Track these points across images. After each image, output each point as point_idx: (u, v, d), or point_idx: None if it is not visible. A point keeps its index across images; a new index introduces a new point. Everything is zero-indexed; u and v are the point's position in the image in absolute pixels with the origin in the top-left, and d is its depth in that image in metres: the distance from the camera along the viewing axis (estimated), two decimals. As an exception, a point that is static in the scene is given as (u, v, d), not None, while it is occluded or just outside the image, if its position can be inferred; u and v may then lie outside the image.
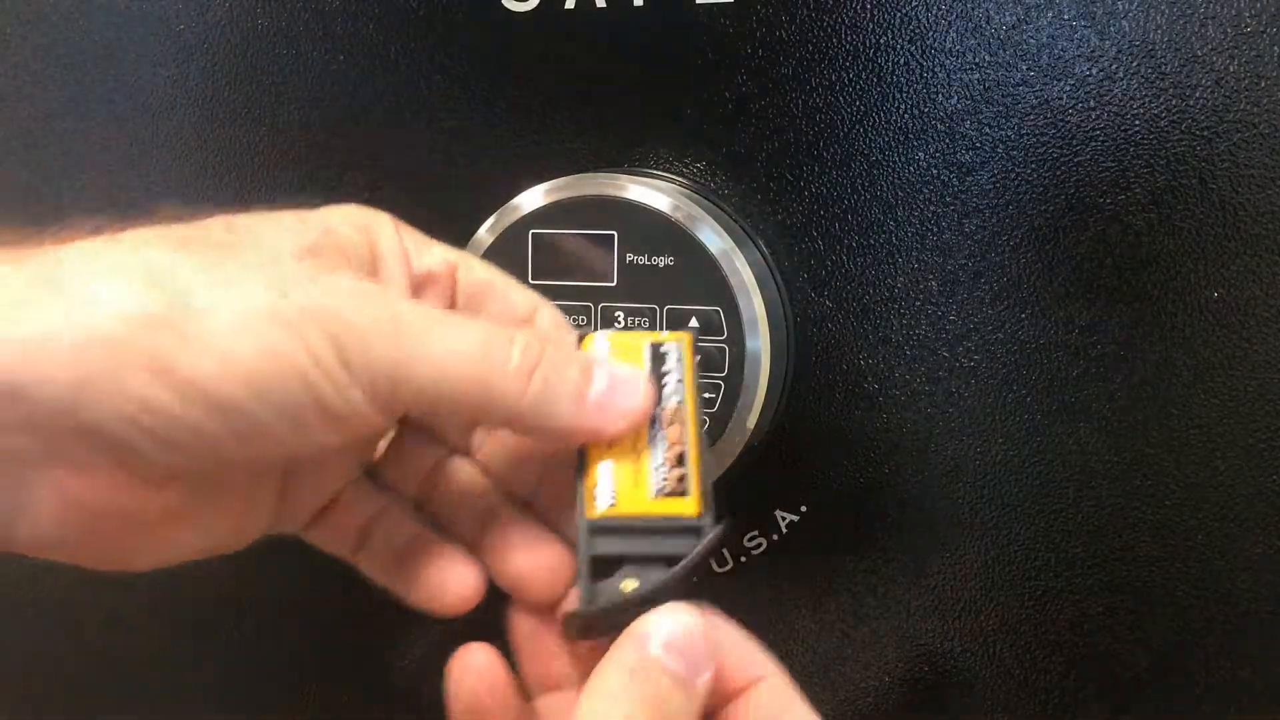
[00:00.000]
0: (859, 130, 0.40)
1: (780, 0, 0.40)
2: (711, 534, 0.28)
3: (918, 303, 0.41)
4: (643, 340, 0.31)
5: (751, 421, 0.39)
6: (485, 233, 0.42)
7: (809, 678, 0.44)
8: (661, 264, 0.40)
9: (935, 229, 0.40)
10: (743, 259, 0.39)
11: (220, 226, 0.28)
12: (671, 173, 0.43)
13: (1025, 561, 0.41)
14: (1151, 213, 0.38)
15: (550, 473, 0.32)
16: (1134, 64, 0.37)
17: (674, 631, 0.26)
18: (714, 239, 0.39)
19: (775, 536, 0.44)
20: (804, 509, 0.43)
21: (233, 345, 0.25)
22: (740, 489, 0.43)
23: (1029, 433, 0.40)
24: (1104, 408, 0.39)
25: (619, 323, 0.40)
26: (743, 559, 0.44)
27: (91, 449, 0.25)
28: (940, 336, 0.41)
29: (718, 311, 0.39)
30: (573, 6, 0.42)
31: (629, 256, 0.40)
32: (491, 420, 0.29)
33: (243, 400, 0.25)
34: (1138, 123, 0.37)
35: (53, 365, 0.23)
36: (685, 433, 0.29)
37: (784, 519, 0.43)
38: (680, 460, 0.29)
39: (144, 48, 0.48)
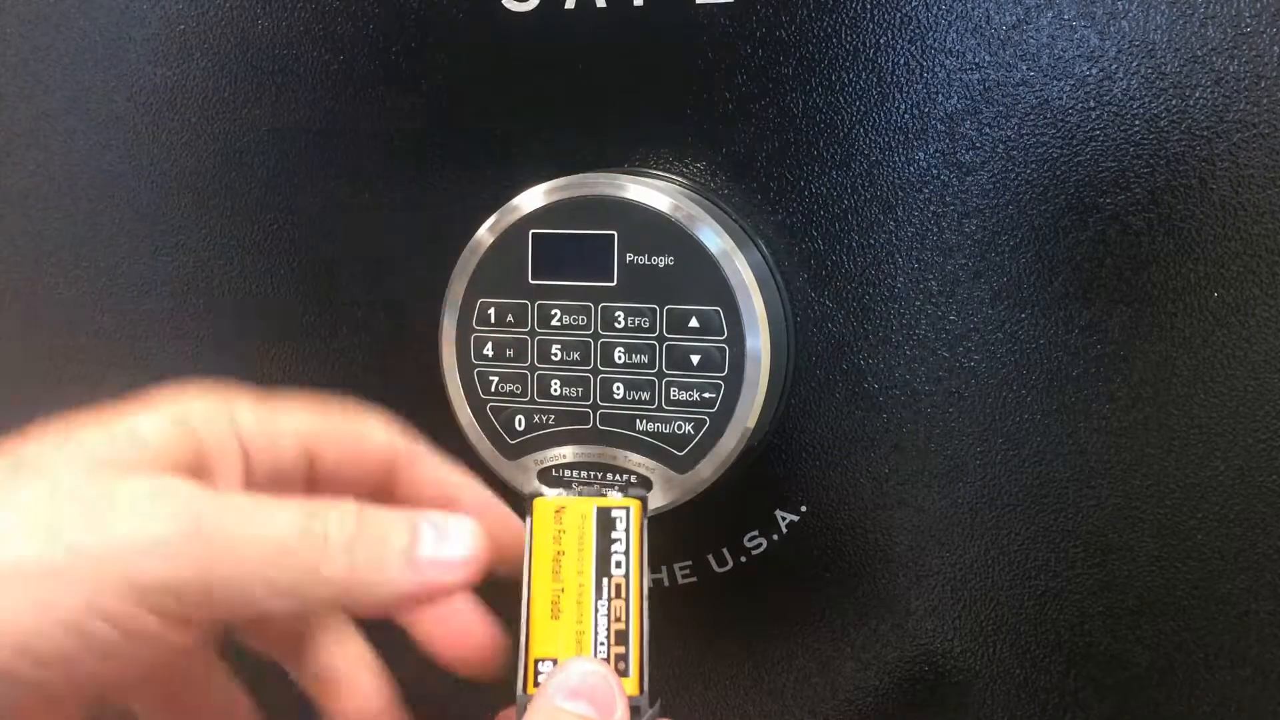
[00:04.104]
0: (859, 130, 0.40)
1: (780, 0, 0.40)
2: (648, 714, 0.29)
3: (918, 303, 0.41)
4: (590, 505, 0.32)
5: (751, 421, 0.39)
6: (485, 232, 0.42)
7: (809, 678, 0.44)
8: (661, 264, 0.40)
9: (935, 229, 0.40)
10: (743, 259, 0.39)
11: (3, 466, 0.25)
12: (671, 173, 0.43)
13: (1025, 561, 0.41)
14: (1151, 213, 0.38)
15: None
16: (1134, 64, 0.37)
17: (577, 682, 0.27)
18: (714, 239, 0.39)
19: (775, 536, 0.44)
20: (804, 509, 0.43)
21: None
22: (740, 489, 0.43)
23: (1029, 433, 0.40)
24: (1104, 408, 0.39)
25: (619, 323, 0.40)
26: (743, 559, 0.44)
27: None
28: (940, 336, 0.41)
29: (718, 311, 0.39)
30: (573, 6, 0.42)
31: (629, 256, 0.40)
32: (322, 606, 0.29)
33: (16, 666, 0.23)
34: (1138, 123, 0.37)
35: None
36: (628, 609, 0.30)
37: (784, 519, 0.43)
38: (622, 637, 0.30)
39: (144, 47, 0.48)
